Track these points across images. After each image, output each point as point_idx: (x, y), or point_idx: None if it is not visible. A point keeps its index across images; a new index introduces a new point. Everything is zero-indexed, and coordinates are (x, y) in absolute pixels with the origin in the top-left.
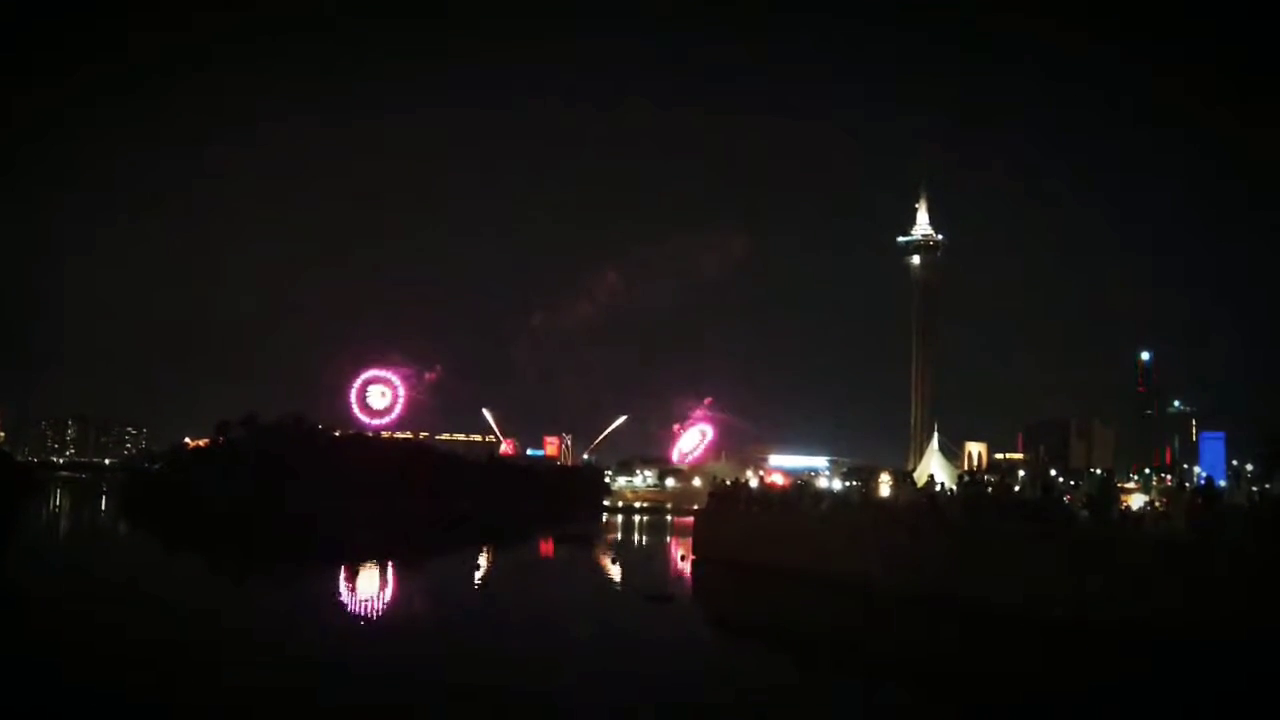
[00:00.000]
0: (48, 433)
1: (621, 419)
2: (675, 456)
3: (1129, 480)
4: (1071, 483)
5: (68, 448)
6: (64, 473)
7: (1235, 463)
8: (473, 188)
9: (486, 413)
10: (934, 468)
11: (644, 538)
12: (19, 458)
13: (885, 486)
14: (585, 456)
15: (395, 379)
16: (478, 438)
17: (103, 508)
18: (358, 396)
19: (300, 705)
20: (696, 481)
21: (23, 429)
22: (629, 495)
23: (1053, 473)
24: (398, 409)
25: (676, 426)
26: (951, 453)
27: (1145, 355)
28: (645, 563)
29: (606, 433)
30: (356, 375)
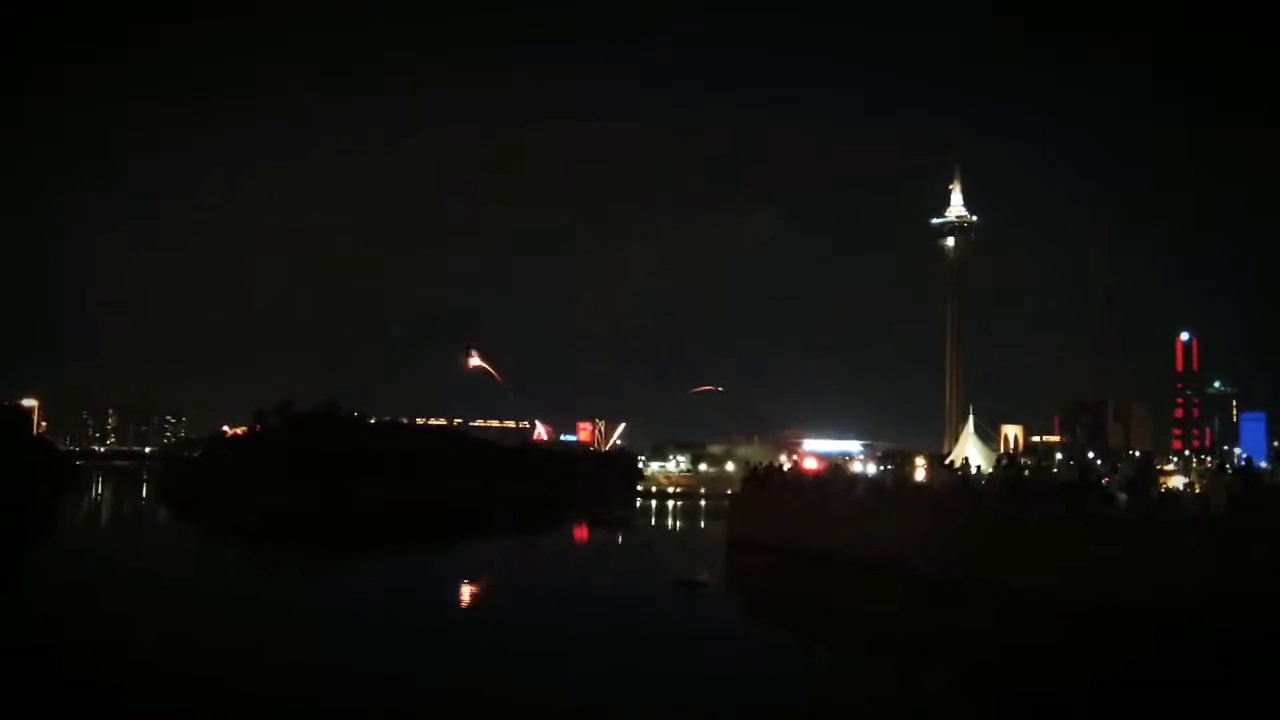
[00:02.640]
0: (88, 422)
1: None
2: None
3: (1168, 462)
4: (1110, 465)
5: (108, 437)
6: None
7: (1277, 444)
8: (500, 178)
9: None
10: (969, 451)
11: (677, 522)
12: (60, 447)
13: (920, 470)
14: (619, 444)
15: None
16: (511, 424)
17: (143, 496)
18: None
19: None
20: (729, 466)
21: (64, 418)
22: (662, 480)
23: (1090, 455)
24: None
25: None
26: (987, 435)
27: (1185, 336)
28: (678, 548)
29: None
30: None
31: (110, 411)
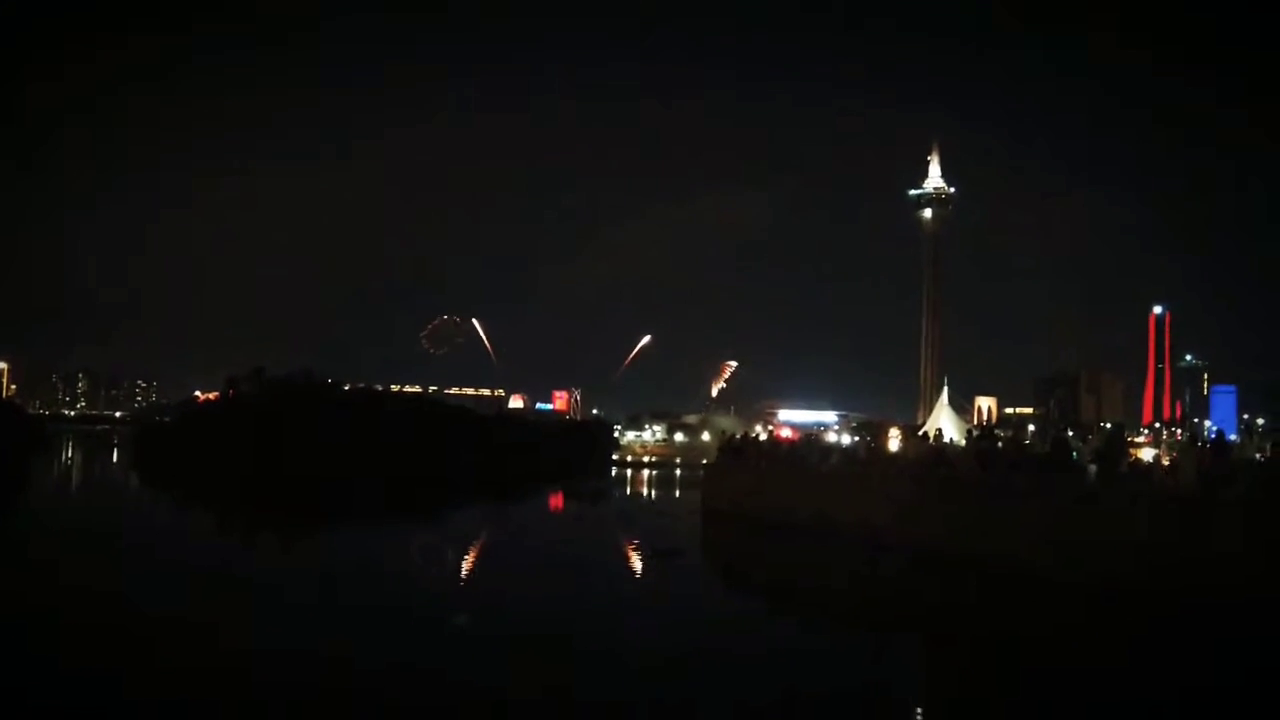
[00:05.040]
0: (59, 385)
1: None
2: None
3: (1139, 434)
4: (1080, 436)
5: (78, 401)
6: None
7: (1247, 416)
8: (495, 146)
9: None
10: (943, 422)
11: (653, 492)
12: (30, 410)
13: (894, 441)
14: (595, 413)
15: None
16: (486, 392)
17: (114, 461)
18: None
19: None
20: (705, 436)
21: (34, 382)
22: (638, 450)
23: (1062, 426)
24: None
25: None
26: (961, 407)
27: (1158, 309)
28: (654, 517)
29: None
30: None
31: (80, 375)
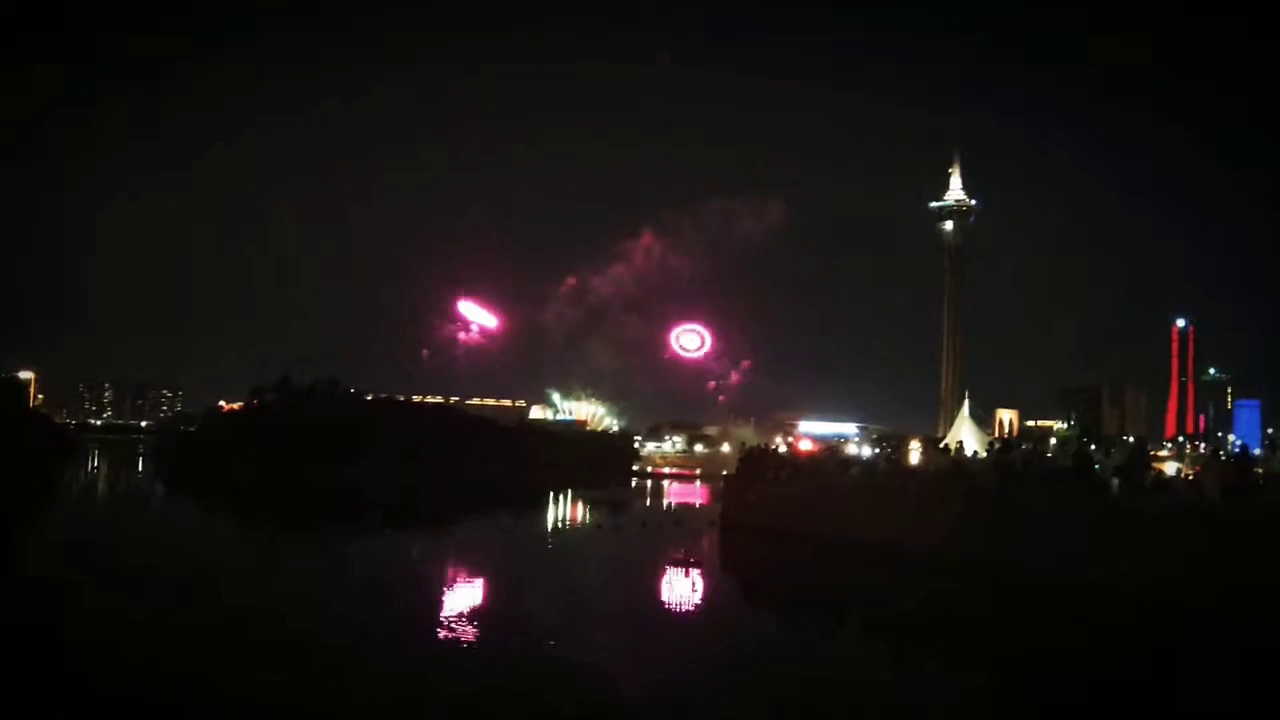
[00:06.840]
0: (85, 395)
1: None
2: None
3: (1162, 447)
4: (1105, 451)
5: (104, 410)
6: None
7: (1270, 430)
8: (507, 155)
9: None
10: (964, 435)
11: (673, 503)
12: (57, 420)
13: (915, 454)
14: (615, 424)
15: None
16: (507, 402)
17: (138, 470)
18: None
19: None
20: (725, 447)
21: (61, 391)
22: (658, 461)
23: (1084, 439)
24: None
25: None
26: (982, 420)
27: (1180, 323)
28: (674, 528)
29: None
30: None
31: (107, 385)
